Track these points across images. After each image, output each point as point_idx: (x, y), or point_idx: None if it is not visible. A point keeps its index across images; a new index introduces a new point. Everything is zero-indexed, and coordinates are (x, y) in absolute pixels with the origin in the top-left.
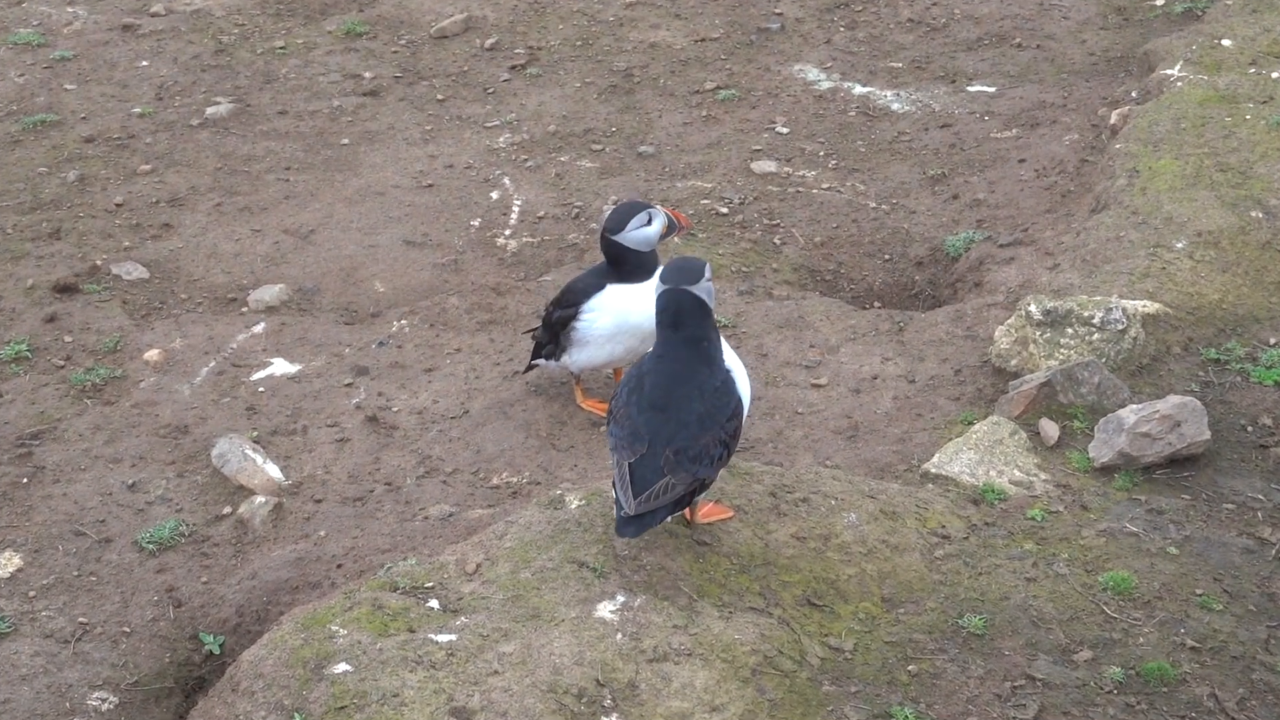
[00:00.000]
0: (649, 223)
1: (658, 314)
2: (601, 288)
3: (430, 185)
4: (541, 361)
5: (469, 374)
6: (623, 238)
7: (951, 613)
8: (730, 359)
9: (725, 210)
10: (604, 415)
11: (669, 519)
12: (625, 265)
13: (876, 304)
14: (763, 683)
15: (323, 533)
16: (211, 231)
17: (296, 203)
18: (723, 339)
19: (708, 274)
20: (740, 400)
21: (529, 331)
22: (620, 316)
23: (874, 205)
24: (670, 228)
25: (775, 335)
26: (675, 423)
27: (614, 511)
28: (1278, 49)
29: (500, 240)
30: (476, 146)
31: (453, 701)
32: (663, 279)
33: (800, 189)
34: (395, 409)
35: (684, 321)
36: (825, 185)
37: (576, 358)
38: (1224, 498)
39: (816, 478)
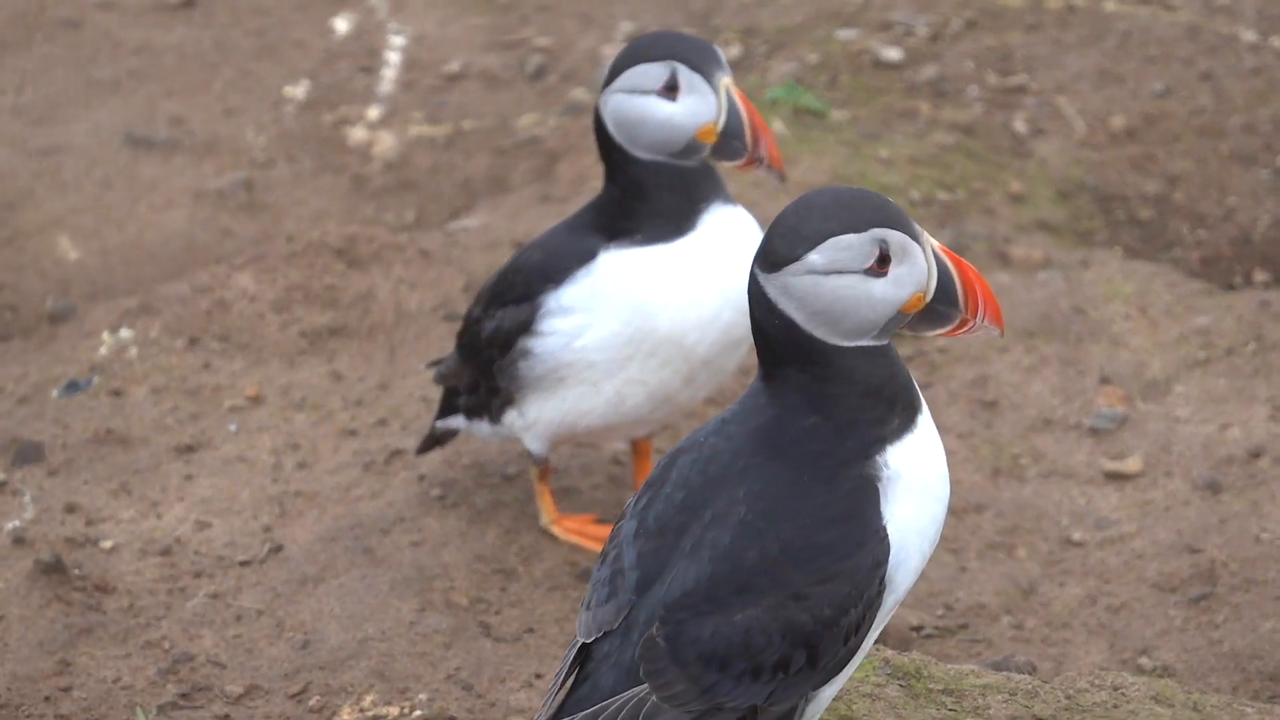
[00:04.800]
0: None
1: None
2: (592, 256)
3: (188, 3)
4: (459, 424)
5: (282, 457)
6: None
7: None
8: (925, 434)
9: (896, 56)
10: (600, 549)
11: None
12: (652, 203)
13: (1259, 276)
14: None
15: None
16: None
17: None
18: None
19: (827, 246)
20: (879, 559)
21: (433, 365)
22: (636, 316)
23: (1252, 39)
24: (731, 140)
25: (1018, 354)
26: (689, 560)
27: None
28: None
29: (357, 133)
30: None
31: None
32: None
33: (1073, 4)
34: (106, 543)
35: (783, 359)
36: None
37: (538, 415)
38: None
39: (1117, 698)
